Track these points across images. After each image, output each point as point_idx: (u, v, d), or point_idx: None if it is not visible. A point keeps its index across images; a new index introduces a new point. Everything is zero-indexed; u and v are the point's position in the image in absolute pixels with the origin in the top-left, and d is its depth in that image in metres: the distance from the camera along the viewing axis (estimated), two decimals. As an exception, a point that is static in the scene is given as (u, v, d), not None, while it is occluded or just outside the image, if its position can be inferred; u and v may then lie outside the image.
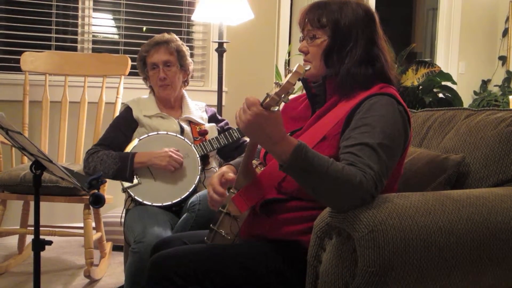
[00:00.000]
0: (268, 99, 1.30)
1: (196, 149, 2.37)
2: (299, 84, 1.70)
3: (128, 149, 2.36)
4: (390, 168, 1.43)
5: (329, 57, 1.56)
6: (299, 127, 1.63)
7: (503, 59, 5.06)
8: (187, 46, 2.56)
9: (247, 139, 2.07)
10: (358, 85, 1.54)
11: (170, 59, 2.46)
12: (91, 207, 2.81)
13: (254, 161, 1.60)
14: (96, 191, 1.91)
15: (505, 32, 5.06)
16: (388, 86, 1.56)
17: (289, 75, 1.30)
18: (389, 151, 1.41)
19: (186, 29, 4.01)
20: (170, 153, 2.29)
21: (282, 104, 1.32)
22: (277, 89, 1.29)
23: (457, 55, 4.95)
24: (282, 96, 1.29)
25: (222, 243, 1.54)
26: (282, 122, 1.33)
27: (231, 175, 1.65)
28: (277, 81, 1.32)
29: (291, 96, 1.94)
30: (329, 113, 1.56)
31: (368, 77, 1.54)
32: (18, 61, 3.25)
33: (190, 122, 2.49)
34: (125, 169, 2.27)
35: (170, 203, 2.28)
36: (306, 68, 1.34)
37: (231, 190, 1.56)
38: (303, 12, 1.60)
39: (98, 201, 1.69)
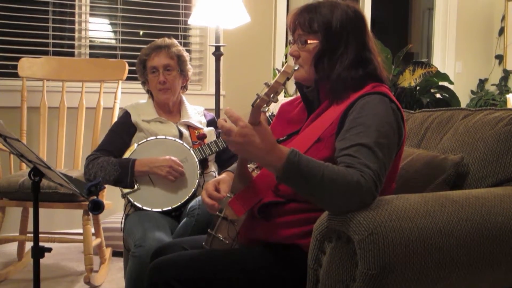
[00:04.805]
0: (258, 100, 1.31)
1: (195, 153, 2.36)
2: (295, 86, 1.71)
3: (127, 154, 2.35)
4: (388, 166, 1.43)
5: (320, 62, 1.55)
6: (295, 129, 1.63)
7: (499, 57, 5.07)
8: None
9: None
10: (350, 88, 1.54)
11: (171, 63, 2.45)
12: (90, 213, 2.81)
13: (250, 165, 1.59)
14: (95, 197, 1.91)
15: (501, 31, 5.07)
16: (380, 85, 1.56)
17: (278, 75, 1.31)
18: (385, 149, 1.41)
19: (183, 33, 4.01)
20: (171, 163, 2.29)
21: (272, 104, 1.33)
22: (267, 90, 1.30)
23: (453, 54, 4.95)
24: (271, 96, 1.30)
25: (220, 247, 1.54)
26: (270, 132, 1.33)
27: (224, 186, 1.62)
28: (266, 82, 1.32)
29: (288, 98, 1.95)
30: (324, 115, 1.56)
31: (360, 79, 1.54)
32: (15, 67, 3.25)
33: (189, 127, 2.48)
34: (126, 177, 2.27)
35: (169, 208, 2.27)
36: (295, 68, 1.35)
37: (227, 195, 1.56)
38: (293, 15, 1.60)
39: (97, 207, 1.69)
